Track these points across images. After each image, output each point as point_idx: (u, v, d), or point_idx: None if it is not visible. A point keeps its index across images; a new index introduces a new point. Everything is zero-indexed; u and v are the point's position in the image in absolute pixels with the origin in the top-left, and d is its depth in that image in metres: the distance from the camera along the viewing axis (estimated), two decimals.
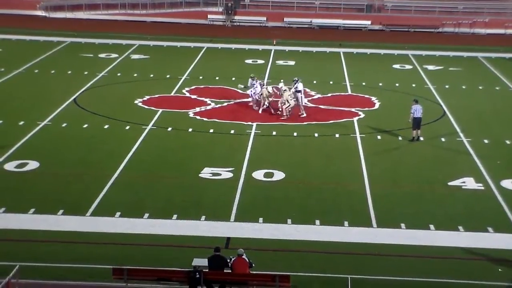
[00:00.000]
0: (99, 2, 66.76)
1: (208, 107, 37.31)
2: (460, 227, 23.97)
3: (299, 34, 61.50)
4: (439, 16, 66.10)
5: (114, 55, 49.95)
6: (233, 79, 43.80)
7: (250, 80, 37.46)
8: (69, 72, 44.77)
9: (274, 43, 55.60)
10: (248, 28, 64.40)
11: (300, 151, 31.43)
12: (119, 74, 44.64)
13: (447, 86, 43.65)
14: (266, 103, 36.35)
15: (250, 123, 34.80)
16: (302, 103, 36.02)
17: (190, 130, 33.70)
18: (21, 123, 33.85)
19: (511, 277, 20.77)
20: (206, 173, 28.20)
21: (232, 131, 33.61)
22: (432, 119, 36.09)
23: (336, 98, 40.31)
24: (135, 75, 44.62)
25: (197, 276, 18.49)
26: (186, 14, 66.49)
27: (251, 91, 36.75)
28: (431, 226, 23.99)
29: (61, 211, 24.31)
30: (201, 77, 43.93)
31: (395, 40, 59.01)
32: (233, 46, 55.25)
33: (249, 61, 49.90)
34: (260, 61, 49.75)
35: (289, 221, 24.16)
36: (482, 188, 27.60)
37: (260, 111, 35.88)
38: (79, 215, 24.15)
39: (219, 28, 64.04)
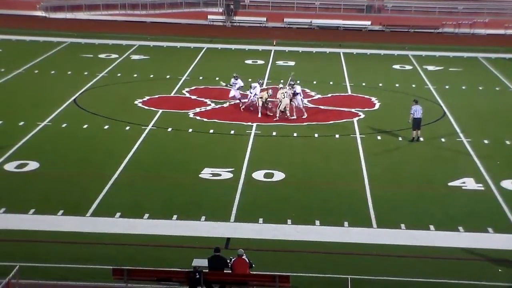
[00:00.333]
0: (99, 3, 66.74)
1: (208, 108, 37.31)
2: (460, 228, 23.98)
3: (299, 35, 61.51)
4: (439, 17, 66.10)
5: (114, 56, 49.96)
6: None
7: (232, 79, 37.16)
8: (69, 72, 44.78)
9: (274, 43, 55.60)
10: (248, 29, 64.41)
11: (300, 151, 31.44)
12: (119, 75, 44.65)
13: (447, 87, 43.66)
14: (266, 105, 36.18)
15: (250, 123, 34.81)
16: (302, 105, 35.86)
17: (190, 130, 33.71)
18: (21, 123, 33.85)
19: (511, 277, 20.77)
20: (206, 173, 28.21)
21: (232, 132, 33.62)
22: (432, 119, 36.10)
23: (336, 99, 40.31)
24: (135, 75, 44.63)
25: (197, 276, 18.50)
26: (186, 14, 66.48)
27: (251, 92, 36.62)
28: (431, 227, 24.00)
29: (61, 212, 24.31)
30: (201, 78, 43.94)
31: (395, 40, 59.01)
32: (233, 46, 55.26)
33: (249, 61, 49.91)
34: (260, 62, 49.76)
35: (289, 221, 24.17)
36: (482, 188, 27.60)
37: (259, 115, 35.74)
38: (79, 216, 24.16)
39: (219, 29, 64.05)
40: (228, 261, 19.01)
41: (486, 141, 33.20)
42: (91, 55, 50.08)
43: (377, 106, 39.08)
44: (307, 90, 41.22)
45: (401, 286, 20.38)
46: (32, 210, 24.35)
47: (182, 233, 23.10)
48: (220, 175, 28.08)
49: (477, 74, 48.18)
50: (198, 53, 52.02)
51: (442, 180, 28.23)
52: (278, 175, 28.25)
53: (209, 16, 66.27)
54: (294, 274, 19.62)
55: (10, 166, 28.48)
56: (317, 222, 24.12)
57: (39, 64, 46.86)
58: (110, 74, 44.76)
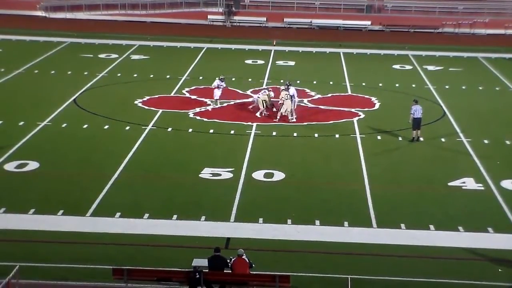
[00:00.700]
0: (99, 3, 66.73)
1: (208, 108, 37.28)
2: (460, 227, 23.98)
3: (299, 35, 61.49)
4: (439, 17, 66.10)
5: (114, 56, 49.96)
6: (233, 79, 43.82)
7: (218, 81, 36.89)
8: (69, 72, 44.78)
9: (274, 43, 55.59)
10: (248, 29, 64.41)
11: (300, 151, 31.43)
12: (119, 75, 44.64)
13: (447, 87, 43.65)
14: (266, 105, 36.10)
15: (250, 123, 34.80)
16: (294, 107, 35.51)
17: (190, 130, 33.71)
18: (21, 123, 33.85)
19: (511, 277, 20.77)
20: (206, 173, 28.21)
21: (232, 132, 33.61)
22: (432, 119, 36.09)
23: (336, 99, 40.30)
24: (135, 75, 44.62)
25: (197, 276, 18.50)
26: (186, 14, 66.48)
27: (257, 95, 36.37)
28: (431, 226, 24.00)
29: (61, 211, 24.31)
30: (201, 78, 43.93)
31: (395, 40, 59.00)
32: (233, 46, 55.25)
33: (249, 61, 49.91)
34: (260, 62, 49.76)
35: (289, 221, 24.16)
36: (482, 188, 27.60)
37: (258, 115, 35.68)
38: (79, 215, 24.16)
39: (219, 29, 64.05)
40: (228, 261, 19.01)
41: (486, 141, 33.20)
42: (91, 55, 50.08)
43: (377, 106, 39.08)
44: (307, 90, 41.23)
45: (401, 286, 20.38)
46: (32, 210, 24.35)
47: (182, 233, 23.10)
48: (220, 175, 28.08)
49: (477, 74, 48.18)
50: (198, 53, 52.01)
51: (442, 180, 28.23)
52: (278, 175, 28.25)
53: (209, 16, 66.27)
54: (294, 274, 19.62)
55: (10, 166, 28.48)
56: (317, 222, 24.12)
57: (39, 64, 46.85)
58: (110, 74, 44.76)
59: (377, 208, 25.33)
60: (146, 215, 24.30)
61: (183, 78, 44.04)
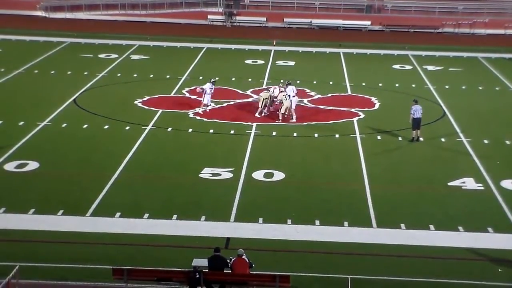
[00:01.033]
0: (99, 3, 66.73)
1: (208, 108, 37.24)
2: (460, 227, 23.98)
3: (299, 35, 61.49)
4: (439, 17, 66.10)
5: (114, 56, 49.96)
6: (233, 79, 43.85)
7: (209, 84, 36.26)
8: (69, 72, 44.78)
9: (274, 43, 55.59)
10: (248, 29, 64.40)
11: (300, 151, 31.43)
12: (119, 75, 44.65)
13: (447, 87, 43.65)
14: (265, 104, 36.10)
15: (250, 123, 34.80)
16: (293, 107, 35.49)
17: (190, 130, 33.71)
18: (21, 123, 33.85)
19: (511, 277, 20.77)
20: (206, 173, 28.21)
21: (232, 132, 33.61)
22: (432, 119, 36.10)
23: (336, 99, 40.30)
24: (135, 75, 44.62)
25: (197, 276, 18.50)
26: (186, 14, 66.47)
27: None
28: (431, 226, 24.00)
29: (61, 211, 24.31)
30: (201, 78, 43.90)
31: (395, 40, 59.00)
32: (233, 46, 55.25)
33: (249, 61, 49.91)
34: (260, 62, 49.76)
35: (289, 221, 24.16)
36: (482, 188, 27.60)
37: (258, 115, 35.65)
38: (79, 215, 24.16)
39: (219, 29, 64.05)
40: (228, 261, 19.00)
41: (486, 141, 33.20)
42: (91, 55, 50.08)
43: (377, 106, 39.08)
44: (307, 90, 41.23)
45: (401, 286, 20.38)
46: (32, 210, 24.35)
47: (182, 233, 23.10)
48: (220, 175, 28.08)
49: (477, 74, 48.18)
50: (198, 53, 52.01)
51: (442, 180, 28.23)
52: (278, 175, 28.25)
53: (209, 16, 66.26)
54: (294, 274, 19.62)
55: (10, 166, 28.48)
56: (317, 222, 24.12)
57: (39, 64, 46.85)
58: (110, 74, 44.76)
59: (377, 208, 25.33)
60: (146, 215, 24.31)
61: (183, 78, 44.04)
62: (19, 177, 27.51)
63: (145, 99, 38.75)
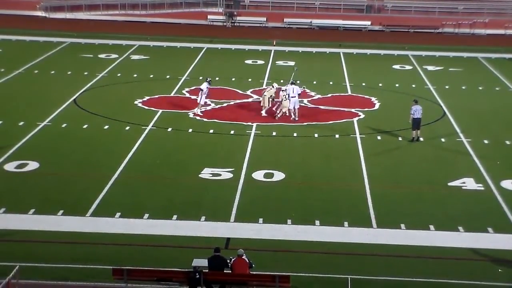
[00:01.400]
0: (99, 3, 66.75)
1: (208, 108, 37.27)
2: (460, 228, 23.98)
3: (299, 35, 61.50)
4: (439, 17, 66.11)
5: (114, 56, 49.96)
6: (233, 79, 43.86)
7: (206, 84, 36.13)
8: (69, 72, 44.78)
9: (274, 43, 55.58)
10: (248, 29, 64.41)
11: (300, 151, 31.43)
12: (119, 75, 44.65)
13: (447, 87, 43.66)
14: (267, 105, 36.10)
15: (250, 123, 34.80)
16: (296, 106, 35.51)
17: (190, 130, 33.71)
18: (21, 123, 33.85)
19: (511, 277, 20.76)
20: (206, 173, 28.21)
21: (232, 132, 33.61)
22: (432, 119, 36.10)
23: (336, 99, 40.31)
24: (135, 75, 44.63)
25: (197, 276, 18.49)
26: (186, 14, 66.48)
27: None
28: (431, 227, 24.00)
29: (61, 212, 24.31)
30: (201, 78, 43.82)
31: (395, 40, 59.01)
32: (233, 46, 55.26)
33: (249, 61, 49.91)
34: (260, 62, 49.76)
35: (289, 221, 24.16)
36: (482, 188, 27.60)
37: (264, 113, 35.68)
38: (79, 216, 24.16)
39: (219, 29, 64.05)
40: (228, 261, 19.00)
41: (486, 141, 33.20)
42: (91, 55, 50.08)
43: (377, 106, 39.08)
44: (307, 90, 41.19)
45: (401, 286, 20.38)
46: (32, 210, 24.35)
47: (182, 233, 23.10)
48: (220, 175, 28.08)
49: (477, 74, 48.18)
50: (198, 53, 52.02)
51: (442, 180, 28.23)
52: (278, 175, 28.25)
53: (209, 16, 66.28)
54: (294, 274, 19.61)
55: (10, 166, 28.48)
56: (317, 222, 24.12)
57: (39, 64, 46.86)
58: (110, 74, 44.76)
59: (377, 208, 25.33)
60: (146, 215, 24.30)
61: (183, 78, 44.04)
62: (19, 177, 27.51)
63: (145, 99, 38.75)
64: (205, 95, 36.15)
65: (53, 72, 44.90)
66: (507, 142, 33.15)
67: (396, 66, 49.60)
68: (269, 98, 35.95)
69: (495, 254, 22.17)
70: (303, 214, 24.76)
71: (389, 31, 64.44)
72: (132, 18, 65.90)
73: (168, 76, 44.60)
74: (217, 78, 42.59)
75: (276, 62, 49.79)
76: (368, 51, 54.39)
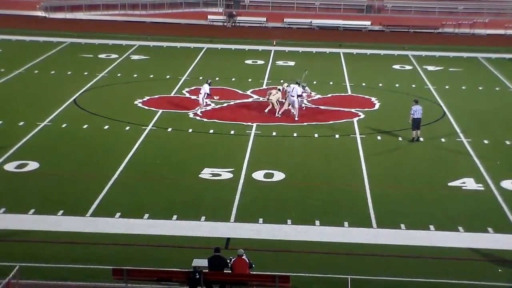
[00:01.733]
0: (99, 3, 66.75)
1: (208, 108, 37.27)
2: (460, 228, 23.97)
3: (299, 35, 61.50)
4: (439, 17, 66.12)
5: (114, 56, 49.97)
6: (233, 79, 43.85)
7: (207, 85, 36.09)
8: (69, 72, 44.79)
9: (274, 43, 55.60)
10: (248, 29, 64.41)
11: (300, 151, 31.44)
12: (119, 75, 44.65)
13: (447, 87, 43.66)
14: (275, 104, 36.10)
15: (250, 123, 34.80)
16: (297, 106, 35.54)
17: (190, 130, 33.71)
18: (21, 123, 33.85)
19: (511, 277, 20.76)
20: (206, 173, 28.21)
21: (232, 132, 33.61)
22: (432, 119, 36.10)
23: (336, 99, 40.30)
24: (135, 75, 44.63)
25: (197, 276, 18.50)
26: (186, 14, 66.49)
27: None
28: (431, 227, 24.00)
29: (61, 212, 24.31)
30: (201, 78, 43.85)
31: (395, 40, 59.02)
32: (233, 46, 55.26)
33: (249, 61, 49.92)
34: (260, 62, 49.77)
35: (289, 221, 24.16)
36: (482, 188, 27.60)
37: (279, 114, 35.60)
38: (79, 216, 24.16)
39: (219, 29, 64.06)
40: (228, 261, 19.00)
41: (486, 141, 33.20)
42: (91, 55, 50.09)
43: (377, 106, 39.08)
44: (313, 93, 41.17)
45: (401, 286, 20.38)
46: (32, 210, 24.35)
47: (182, 233, 23.10)
48: (220, 175, 28.08)
49: (477, 74, 48.19)
50: (198, 53, 52.02)
51: (442, 180, 28.23)
52: (278, 175, 28.25)
53: (209, 16, 66.28)
54: (294, 274, 19.61)
55: (10, 166, 28.48)
56: (317, 222, 24.12)
57: (39, 64, 46.86)
58: (110, 74, 44.77)
59: (377, 208, 25.33)
60: (146, 215, 24.31)
61: (183, 78, 44.05)
62: (19, 177, 27.51)
63: (145, 99, 38.75)
64: (206, 95, 36.09)
65: (53, 72, 44.90)
66: (507, 142, 33.14)
67: (396, 66, 49.61)
68: (276, 101, 35.96)
69: (495, 254, 22.17)
70: (303, 214, 24.77)
71: (389, 31, 64.45)
72: (132, 18, 65.90)
73: (168, 76, 44.60)
74: (217, 78, 42.57)
75: (276, 62, 49.78)
76: (368, 51, 54.39)
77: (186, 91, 40.84)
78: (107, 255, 21.45)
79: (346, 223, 24.12)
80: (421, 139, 32.78)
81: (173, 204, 25.42)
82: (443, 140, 33.32)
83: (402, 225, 24.03)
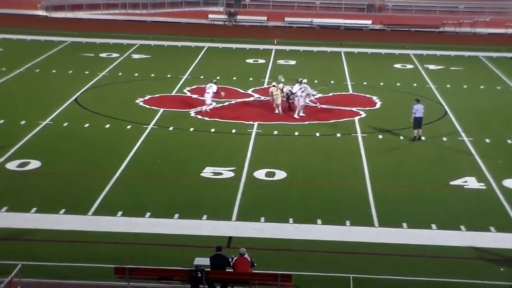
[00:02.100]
0: (100, 2, 66.77)
1: (209, 107, 37.22)
2: (462, 227, 23.97)
3: (300, 34, 61.49)
4: (440, 16, 66.10)
5: (115, 55, 49.97)
6: (234, 78, 43.85)
7: (214, 85, 35.99)
8: (70, 71, 44.79)
9: (275, 42, 55.59)
10: (249, 28, 64.39)
11: (302, 150, 31.44)
12: (120, 74, 44.65)
13: (448, 86, 43.65)
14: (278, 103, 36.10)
15: (251, 122, 34.79)
16: (301, 103, 35.62)
17: (191, 129, 33.70)
18: (23, 122, 33.86)
19: None
20: (208, 172, 28.21)
21: (234, 131, 33.61)
22: (434, 118, 36.08)
23: (337, 98, 40.28)
24: (136, 74, 44.63)
25: (199, 275, 18.50)
26: (187, 13, 66.48)
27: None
28: (433, 226, 23.99)
29: (63, 210, 24.32)
30: (202, 77, 43.90)
31: (396, 39, 59.00)
32: (234, 45, 55.25)
33: (250, 60, 49.91)
34: (261, 61, 49.76)
35: (290, 220, 24.16)
36: (484, 187, 27.59)
37: (297, 116, 35.61)
38: (81, 214, 24.16)
39: (220, 28, 64.04)
40: (230, 260, 19.01)
41: (487, 140, 33.19)
42: (92, 54, 50.09)
43: (378, 105, 39.08)
44: (314, 93, 41.15)
45: (403, 285, 20.37)
46: (34, 209, 24.36)
47: (183, 232, 23.10)
48: (221, 174, 28.08)
49: (478, 73, 48.18)
50: (199, 52, 52.02)
51: (443, 179, 28.22)
52: (280, 174, 28.25)
53: (209, 15, 66.27)
54: (296, 273, 19.61)
55: (11, 165, 28.49)
56: (319, 221, 24.12)
57: (40, 64, 46.87)
58: (111, 73, 44.77)
59: (379, 207, 25.33)
60: (148, 214, 24.31)
61: (184, 77, 44.05)
62: (21, 176, 27.52)
63: (146, 98, 38.75)
64: (212, 95, 35.99)
65: (54, 71, 44.91)
66: (509, 141, 33.14)
67: (397, 65, 49.59)
68: (281, 98, 35.98)
69: (497, 253, 22.15)
70: (304, 213, 24.77)
71: (390, 30, 64.43)
72: (133, 17, 65.91)
73: (169, 75, 44.60)
74: (218, 77, 42.50)
75: (277, 61, 49.77)
76: (369, 50, 54.37)
77: (187, 90, 40.83)
78: (109, 254, 21.46)
79: (348, 222, 24.12)
80: (423, 138, 32.78)
81: (174, 203, 25.42)
82: (444, 139, 33.31)
83: (404, 224, 24.03)
